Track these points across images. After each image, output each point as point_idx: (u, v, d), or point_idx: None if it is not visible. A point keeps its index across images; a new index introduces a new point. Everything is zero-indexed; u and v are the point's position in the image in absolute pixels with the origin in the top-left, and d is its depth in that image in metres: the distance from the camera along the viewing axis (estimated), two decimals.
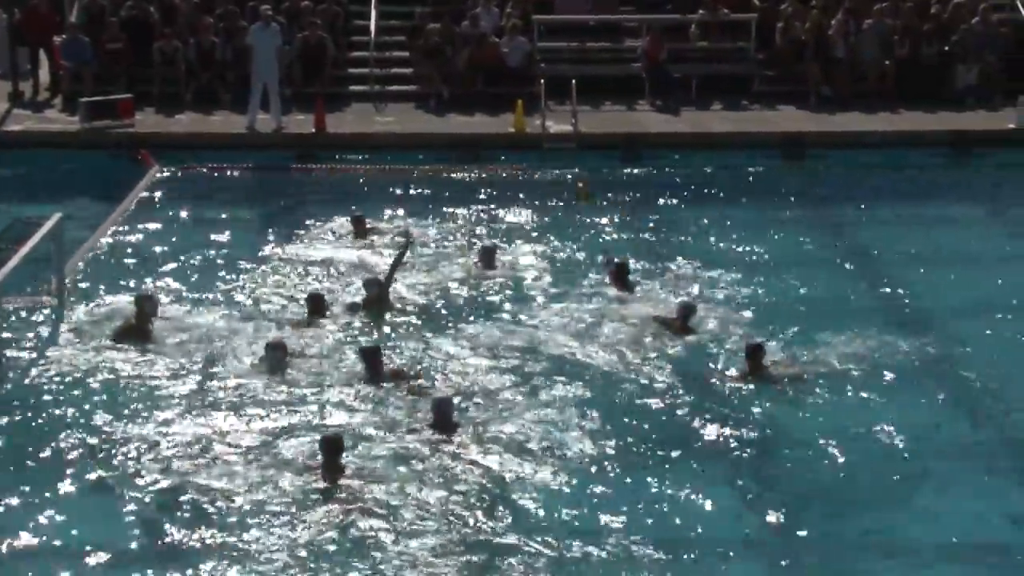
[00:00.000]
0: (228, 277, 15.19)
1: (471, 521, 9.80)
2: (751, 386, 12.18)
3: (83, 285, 14.86)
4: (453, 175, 20.23)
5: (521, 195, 18.83)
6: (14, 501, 10.09)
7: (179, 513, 9.85)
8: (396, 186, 19.48)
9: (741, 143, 21.46)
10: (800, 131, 21.77)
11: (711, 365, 12.70)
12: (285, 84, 22.37)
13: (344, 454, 10.12)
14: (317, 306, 13.30)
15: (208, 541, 9.54)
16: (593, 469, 10.66)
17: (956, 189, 19.98)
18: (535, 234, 16.98)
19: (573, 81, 21.80)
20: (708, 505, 10.22)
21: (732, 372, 12.42)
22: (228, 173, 20.33)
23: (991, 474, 10.80)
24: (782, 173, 20.76)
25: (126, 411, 11.64)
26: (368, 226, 16.47)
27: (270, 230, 17.26)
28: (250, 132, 21.53)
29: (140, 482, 10.36)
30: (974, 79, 23.39)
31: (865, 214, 18.24)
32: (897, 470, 10.78)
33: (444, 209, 18.04)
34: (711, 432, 11.42)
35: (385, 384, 11.79)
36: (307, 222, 17.40)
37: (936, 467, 10.78)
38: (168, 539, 9.60)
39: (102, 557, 9.36)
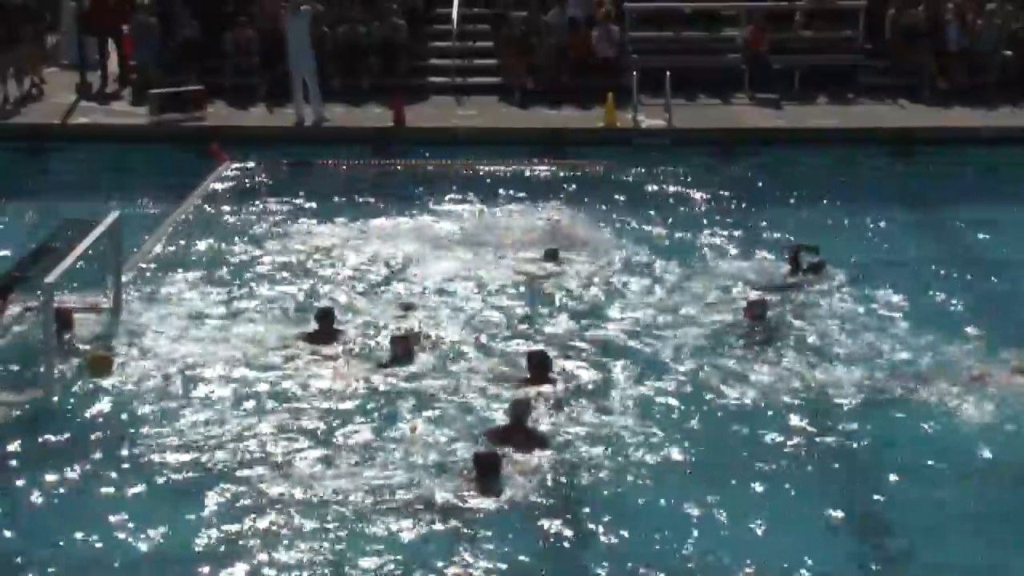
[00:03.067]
0: (299, 279, 15.21)
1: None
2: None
3: (143, 288, 14.81)
4: (538, 170, 20.17)
5: (609, 193, 18.75)
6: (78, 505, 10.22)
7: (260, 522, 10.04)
8: (478, 182, 19.49)
9: (845, 139, 21.27)
10: (907, 126, 21.63)
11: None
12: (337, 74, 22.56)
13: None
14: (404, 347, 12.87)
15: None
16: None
17: None
18: (612, 232, 16.99)
19: (667, 73, 21.69)
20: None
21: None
22: (303, 168, 20.40)
23: None
24: (890, 171, 20.57)
25: (182, 423, 11.64)
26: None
27: (343, 228, 17.23)
28: (313, 126, 21.66)
29: (209, 490, 10.48)
30: None
31: (975, 215, 17.88)
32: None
33: (525, 206, 18.10)
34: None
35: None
36: (384, 220, 17.47)
37: None
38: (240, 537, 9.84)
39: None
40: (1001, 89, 22.92)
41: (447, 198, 18.49)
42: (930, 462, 10.80)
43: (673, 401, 11.98)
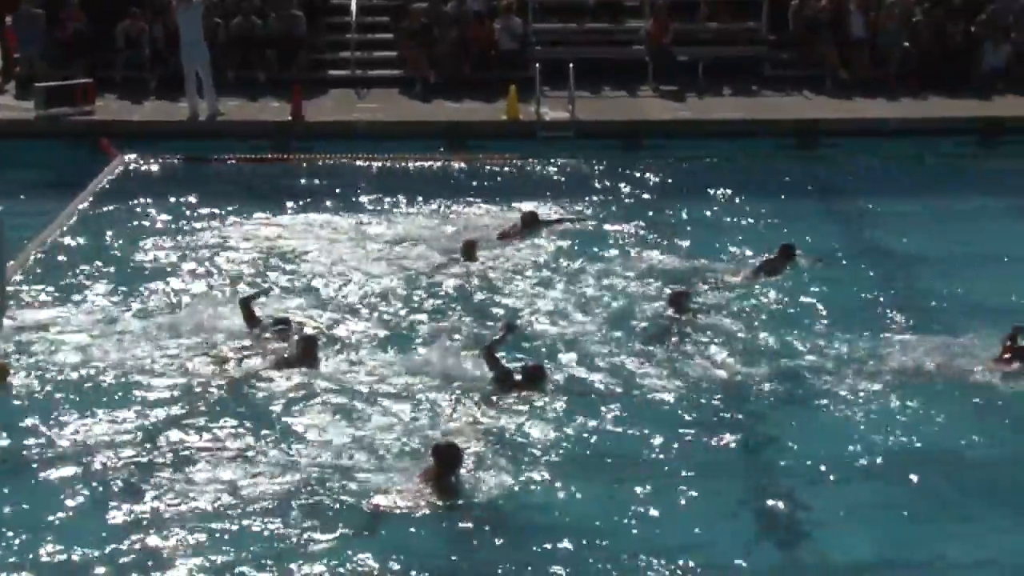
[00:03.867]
0: (195, 278, 15.03)
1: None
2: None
3: (29, 289, 14.46)
4: (440, 165, 20.13)
5: (514, 186, 18.80)
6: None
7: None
8: (379, 177, 19.41)
9: (750, 131, 21.33)
10: (815, 118, 21.68)
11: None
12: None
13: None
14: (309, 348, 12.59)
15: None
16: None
17: (985, 181, 19.66)
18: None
19: (571, 65, 21.73)
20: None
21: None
22: (197, 164, 20.14)
23: None
24: (794, 163, 20.67)
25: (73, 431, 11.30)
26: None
27: (240, 226, 17.03)
28: (207, 120, 21.39)
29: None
30: (1002, 61, 23.27)
31: (883, 207, 18.05)
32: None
33: (430, 201, 18.00)
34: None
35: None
36: (283, 217, 17.35)
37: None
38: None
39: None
40: (902, 80, 23.09)
41: (349, 194, 18.33)
42: (840, 455, 10.84)
43: (596, 395, 11.91)
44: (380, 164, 19.98)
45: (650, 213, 17.51)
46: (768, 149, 20.94)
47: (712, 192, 18.50)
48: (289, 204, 17.89)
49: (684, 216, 17.48)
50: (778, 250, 14.93)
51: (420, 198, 18.08)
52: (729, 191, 18.55)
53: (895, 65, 23.38)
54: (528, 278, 14.92)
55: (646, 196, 18.50)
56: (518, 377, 11.78)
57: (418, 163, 20.11)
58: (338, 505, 9.94)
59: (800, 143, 21.33)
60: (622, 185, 18.96)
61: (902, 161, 20.42)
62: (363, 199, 18.18)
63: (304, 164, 20.31)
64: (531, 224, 16.29)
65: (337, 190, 18.54)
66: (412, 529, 9.69)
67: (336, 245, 16.10)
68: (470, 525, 9.69)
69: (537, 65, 21.85)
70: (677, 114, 22.08)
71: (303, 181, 19.39)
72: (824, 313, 13.80)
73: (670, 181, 19.25)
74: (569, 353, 12.77)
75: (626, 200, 18.23)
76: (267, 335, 12.66)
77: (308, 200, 18.01)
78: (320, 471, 10.33)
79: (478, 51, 23.37)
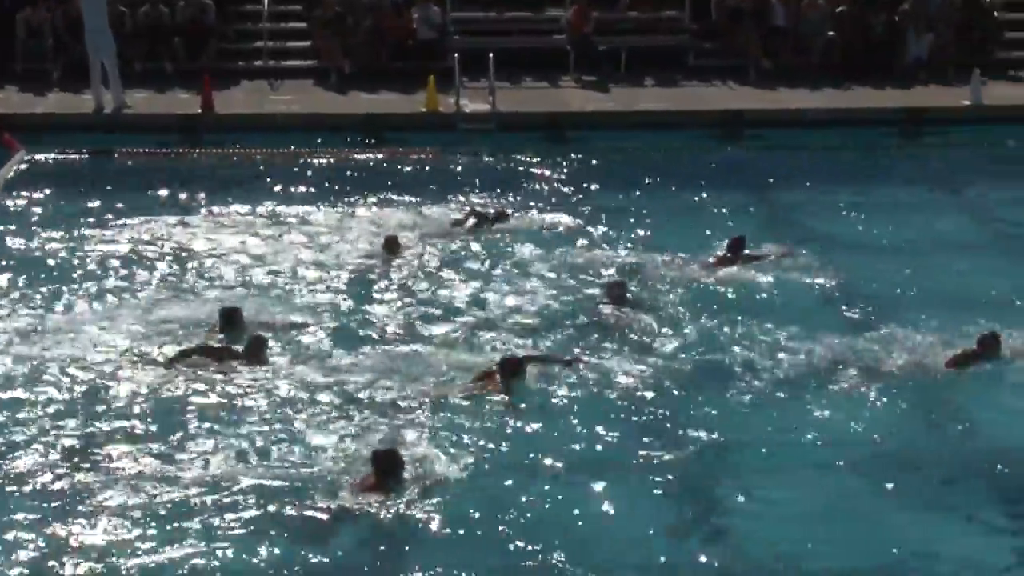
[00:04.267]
0: (103, 275, 14.73)
1: None
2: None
3: None
4: (357, 158, 19.90)
5: (433, 179, 18.61)
6: None
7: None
8: (293, 171, 19.14)
9: (675, 122, 21.28)
10: (739, 109, 21.73)
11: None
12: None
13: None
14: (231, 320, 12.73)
15: None
16: None
17: (907, 171, 19.86)
18: (445, 222, 16.74)
19: (491, 55, 21.52)
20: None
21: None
22: (102, 158, 19.77)
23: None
24: (719, 154, 20.73)
25: None
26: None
27: (148, 222, 16.72)
28: (113, 113, 21.02)
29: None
30: (925, 52, 23.42)
31: (808, 197, 18.19)
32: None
33: (347, 197, 17.77)
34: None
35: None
36: (193, 213, 17.07)
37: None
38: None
39: None
40: (825, 70, 23.14)
41: (262, 188, 18.09)
42: (779, 452, 10.87)
43: (533, 391, 11.81)
44: (294, 158, 19.76)
45: (575, 206, 17.43)
46: (693, 140, 21.00)
47: (637, 184, 18.46)
48: (200, 199, 17.64)
49: (611, 208, 17.34)
50: (729, 243, 14.96)
51: (336, 193, 17.88)
52: (654, 183, 18.58)
53: (818, 54, 23.48)
54: (457, 273, 14.82)
55: (570, 189, 18.41)
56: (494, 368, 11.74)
57: (333, 157, 19.89)
58: (272, 509, 9.82)
59: (725, 134, 21.35)
60: (545, 178, 18.88)
61: (826, 151, 20.56)
62: (276, 194, 17.94)
63: (215, 158, 20.00)
64: (484, 221, 16.22)
65: (250, 184, 18.30)
66: (347, 536, 9.58)
67: (250, 242, 15.88)
68: (409, 531, 9.61)
69: (456, 55, 21.70)
70: (600, 105, 22.00)
71: (214, 175, 19.08)
72: (758, 305, 13.83)
73: (594, 173, 19.18)
74: (504, 348, 12.62)
75: (550, 193, 18.14)
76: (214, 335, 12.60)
77: (219, 195, 17.75)
78: (259, 475, 10.23)
79: (395, 40, 23.17)
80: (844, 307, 13.86)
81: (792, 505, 10.07)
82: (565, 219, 16.75)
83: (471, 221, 16.18)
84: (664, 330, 13.02)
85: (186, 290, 14.26)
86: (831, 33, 23.52)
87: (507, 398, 11.37)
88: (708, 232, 16.06)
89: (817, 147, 20.59)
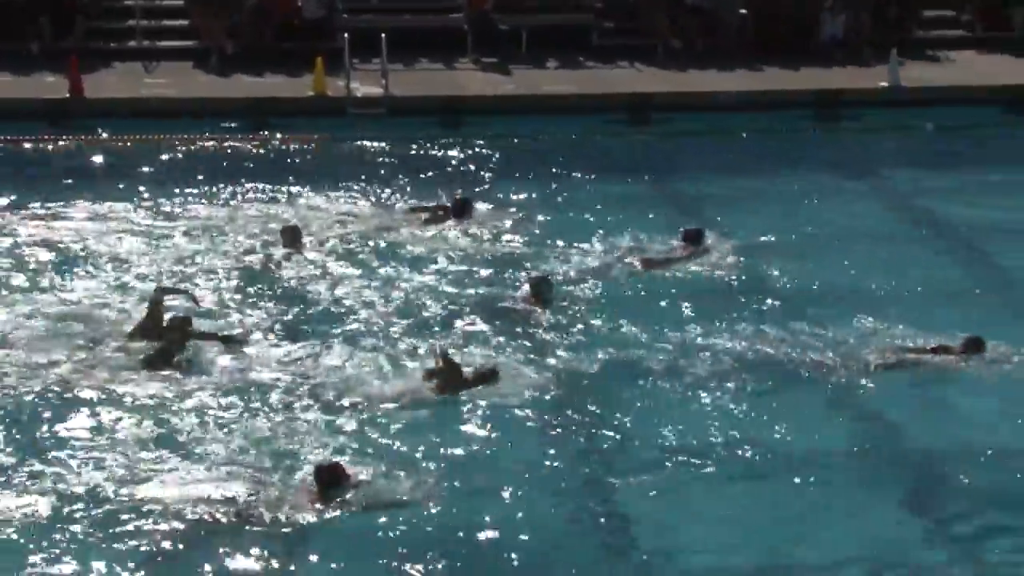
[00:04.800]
0: None
1: None
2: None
3: None
4: (240, 146, 19.49)
5: (322, 168, 18.28)
6: None
7: None
8: (170, 160, 18.74)
9: (580, 106, 21.12)
10: (648, 92, 21.53)
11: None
12: None
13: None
14: None
15: None
16: None
17: (822, 157, 19.68)
18: (338, 212, 16.47)
19: (383, 35, 21.16)
20: None
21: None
22: None
23: None
24: (626, 140, 20.59)
25: None
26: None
27: (11, 212, 16.31)
28: None
29: None
30: (840, 30, 23.30)
31: (719, 185, 17.98)
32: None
33: (230, 186, 17.33)
34: None
35: None
36: (66, 205, 16.46)
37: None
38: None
39: None
40: (738, 50, 22.98)
41: (135, 178, 17.61)
42: (683, 450, 10.84)
43: (476, 393, 11.68)
44: (171, 145, 19.26)
45: (473, 196, 16.86)
46: (598, 125, 20.75)
47: (539, 173, 18.13)
48: (68, 191, 17.05)
49: (510, 199, 16.99)
50: (682, 235, 14.99)
51: (219, 183, 17.39)
52: (557, 171, 18.24)
53: (730, 34, 23.30)
54: (355, 268, 14.58)
55: (467, 178, 18.01)
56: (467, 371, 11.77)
57: (214, 144, 19.44)
58: (208, 522, 9.74)
59: (632, 118, 21.23)
60: (441, 166, 18.56)
61: (738, 137, 20.44)
62: (151, 185, 17.43)
63: (85, 145, 19.44)
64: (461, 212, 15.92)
65: (122, 174, 17.80)
66: (289, 552, 9.53)
67: (125, 238, 15.46)
68: (350, 544, 9.62)
69: (346, 35, 21.33)
70: (500, 88, 21.79)
71: (84, 164, 18.69)
72: (673, 300, 13.76)
73: (493, 162, 18.85)
74: (419, 345, 12.58)
75: (445, 183, 17.61)
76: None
77: (89, 187, 17.27)
78: (184, 493, 10.11)
79: (280, 19, 22.73)
80: (756, 301, 13.74)
81: (704, 506, 10.12)
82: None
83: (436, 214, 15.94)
84: (576, 328, 12.94)
85: (57, 288, 13.90)
86: (743, 12, 23.37)
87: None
88: (613, 223, 15.79)
89: (729, 132, 20.46)
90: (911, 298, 13.60)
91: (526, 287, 13.55)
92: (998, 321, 12.99)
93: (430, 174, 17.99)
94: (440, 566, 9.28)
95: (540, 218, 16.12)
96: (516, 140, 19.90)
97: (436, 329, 12.84)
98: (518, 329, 12.84)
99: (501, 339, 12.62)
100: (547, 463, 10.59)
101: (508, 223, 15.85)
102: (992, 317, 13.12)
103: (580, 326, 12.93)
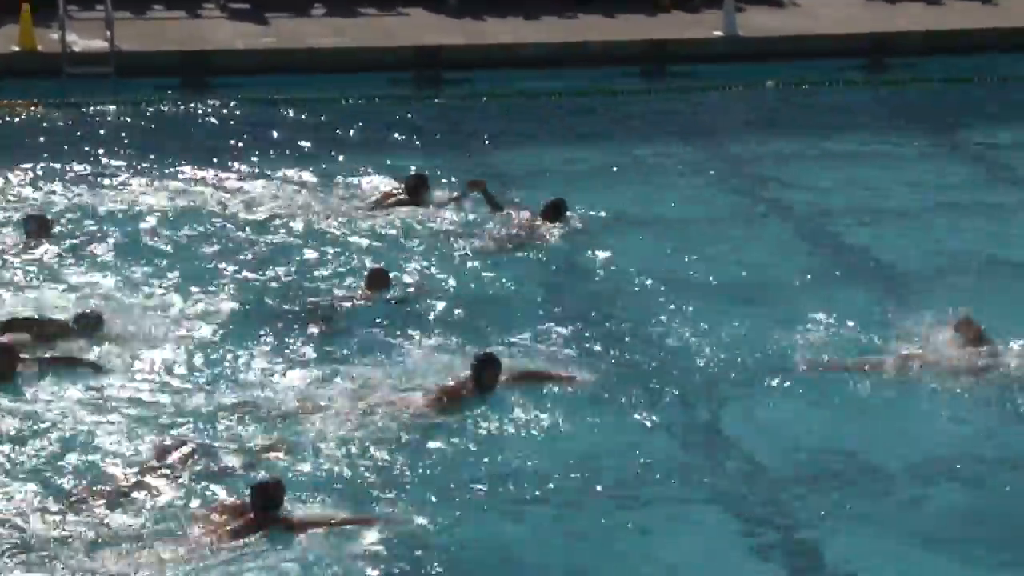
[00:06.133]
0: None
1: None
2: None
3: None
4: None
5: (33, 143, 17.07)
6: None
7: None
8: None
9: (356, 63, 19.93)
10: (435, 44, 20.45)
11: None
12: None
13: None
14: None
15: None
16: None
17: (648, 120, 18.81)
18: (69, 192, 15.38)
19: None
20: None
21: None
22: None
23: None
24: (412, 105, 19.44)
25: None
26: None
27: None
28: None
29: None
30: None
31: (526, 157, 17.18)
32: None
33: None
34: None
35: None
36: None
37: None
38: None
39: None
40: None
41: None
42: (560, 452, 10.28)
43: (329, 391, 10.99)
44: None
45: (219, 172, 15.93)
46: (377, 87, 19.58)
47: (297, 147, 17.12)
48: None
49: (270, 175, 15.81)
50: (544, 208, 14.31)
51: None
52: (325, 143, 17.19)
53: None
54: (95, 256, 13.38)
55: (211, 154, 16.73)
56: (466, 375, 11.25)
57: None
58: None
59: (419, 77, 20.17)
60: (180, 138, 17.43)
61: (547, 99, 19.47)
62: None
63: None
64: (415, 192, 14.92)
65: None
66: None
67: None
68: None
69: None
70: (253, 42, 20.44)
71: None
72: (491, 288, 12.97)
73: (244, 133, 17.65)
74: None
75: (186, 157, 16.48)
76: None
77: None
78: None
79: None
80: (574, 290, 13.22)
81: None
82: (205, 190, 15.29)
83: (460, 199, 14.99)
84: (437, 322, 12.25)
85: None
86: None
87: None
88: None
89: (534, 94, 19.53)
90: (749, 285, 12.91)
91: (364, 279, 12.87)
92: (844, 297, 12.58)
93: (169, 149, 16.68)
94: None
95: (317, 207, 14.76)
96: (272, 105, 18.65)
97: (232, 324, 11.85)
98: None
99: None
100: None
101: (266, 205, 14.64)
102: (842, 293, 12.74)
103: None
